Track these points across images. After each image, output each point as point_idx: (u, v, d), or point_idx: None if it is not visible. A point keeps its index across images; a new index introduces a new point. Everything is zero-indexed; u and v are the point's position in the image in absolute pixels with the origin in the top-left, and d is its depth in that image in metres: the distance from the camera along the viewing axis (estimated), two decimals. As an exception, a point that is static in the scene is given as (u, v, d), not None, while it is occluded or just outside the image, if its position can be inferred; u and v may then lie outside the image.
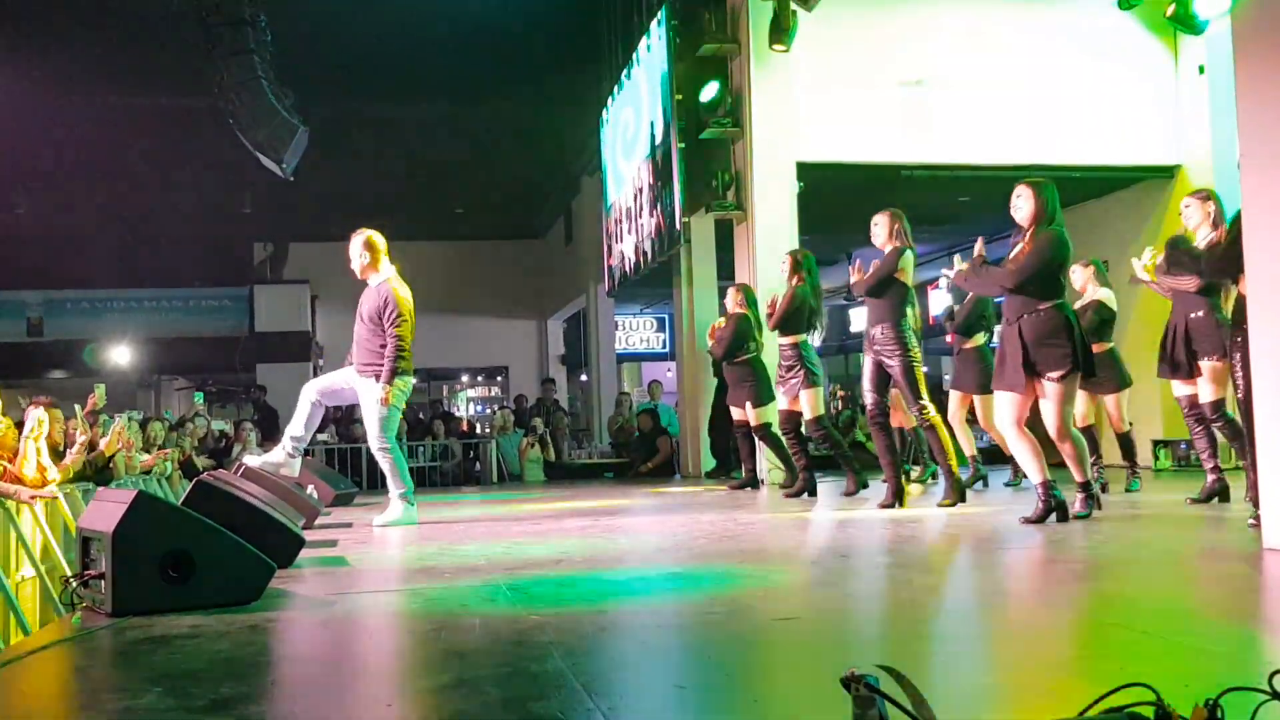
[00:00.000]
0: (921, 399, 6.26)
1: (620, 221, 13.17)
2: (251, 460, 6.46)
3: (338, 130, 13.51)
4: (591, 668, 2.45)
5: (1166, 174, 10.31)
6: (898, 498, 6.31)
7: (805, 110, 9.70)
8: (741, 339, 8.20)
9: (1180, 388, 6.08)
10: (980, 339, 7.72)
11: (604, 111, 13.66)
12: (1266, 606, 3.28)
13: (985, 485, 7.81)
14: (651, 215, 11.52)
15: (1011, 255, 5.27)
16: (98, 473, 7.03)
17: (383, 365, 6.19)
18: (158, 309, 18.67)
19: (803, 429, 7.58)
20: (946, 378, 11.51)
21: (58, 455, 6.59)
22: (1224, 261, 4.58)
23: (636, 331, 20.56)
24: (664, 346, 20.14)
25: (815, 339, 7.58)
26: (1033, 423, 5.29)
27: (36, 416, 6.24)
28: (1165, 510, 6.03)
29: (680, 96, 10.33)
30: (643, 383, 18.24)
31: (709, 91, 10.04)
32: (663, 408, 13.20)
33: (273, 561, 3.61)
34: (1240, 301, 4.42)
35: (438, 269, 17.86)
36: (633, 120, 12.22)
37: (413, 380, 6.50)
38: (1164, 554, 4.38)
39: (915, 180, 10.06)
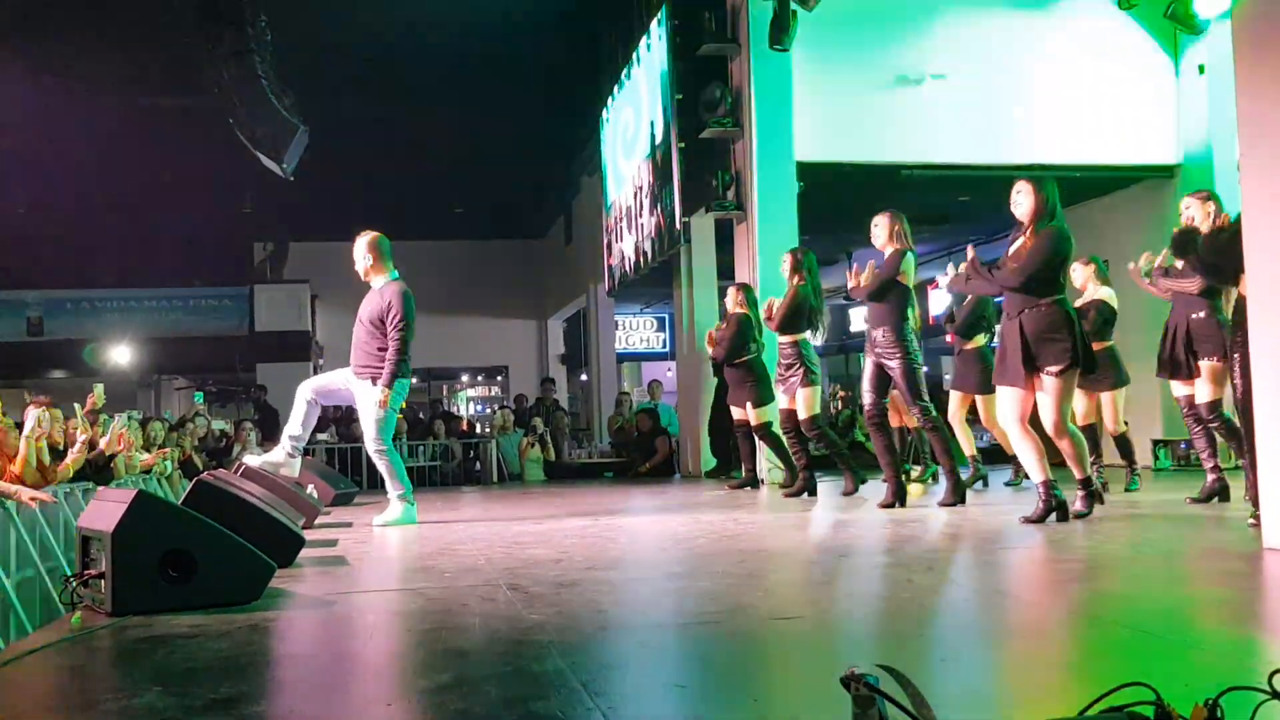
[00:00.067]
0: (921, 400, 6.27)
1: (620, 221, 13.18)
2: (251, 460, 6.46)
3: (338, 130, 13.50)
4: (591, 667, 2.45)
5: (1166, 174, 10.31)
6: (898, 497, 6.31)
7: (805, 110, 9.70)
8: (743, 340, 8.20)
9: (1179, 388, 6.09)
10: (981, 339, 7.72)
11: (604, 111, 13.66)
12: (1266, 606, 3.28)
13: (985, 485, 7.81)
14: (651, 215, 11.52)
15: (1012, 251, 5.25)
16: (97, 472, 7.02)
17: (380, 368, 6.19)
18: (158, 309, 18.67)
19: (819, 425, 7.58)
20: (947, 377, 11.51)
21: (58, 455, 6.59)
22: (1226, 252, 4.53)
23: (636, 331, 20.56)
24: (664, 346, 20.15)
25: (817, 339, 7.58)
26: (1035, 421, 5.29)
27: (36, 416, 6.24)
28: (1165, 510, 6.02)
29: (680, 96, 10.33)
30: (643, 382, 18.23)
31: (709, 91, 10.04)
32: (663, 407, 13.20)
33: (273, 561, 3.61)
34: (1241, 302, 4.42)
35: (438, 269, 17.87)
36: (633, 120, 12.22)
37: (410, 383, 6.50)
38: (1164, 554, 4.38)
39: (915, 180, 10.06)
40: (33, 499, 5.26)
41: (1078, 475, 5.30)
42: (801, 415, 7.45)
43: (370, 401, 6.23)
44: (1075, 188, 9.84)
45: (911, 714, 1.62)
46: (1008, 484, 7.85)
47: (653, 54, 11.13)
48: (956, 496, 6.22)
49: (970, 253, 5.54)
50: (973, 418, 7.92)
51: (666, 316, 19.38)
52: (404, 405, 6.49)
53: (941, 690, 2.03)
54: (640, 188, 11.95)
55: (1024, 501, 5.79)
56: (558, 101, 14.21)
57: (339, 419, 13.38)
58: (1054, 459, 5.30)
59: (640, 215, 12.03)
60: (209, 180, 15.26)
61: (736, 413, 8.52)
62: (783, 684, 2.41)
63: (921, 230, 10.49)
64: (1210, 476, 6.05)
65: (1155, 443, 9.70)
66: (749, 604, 3.33)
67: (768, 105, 9.70)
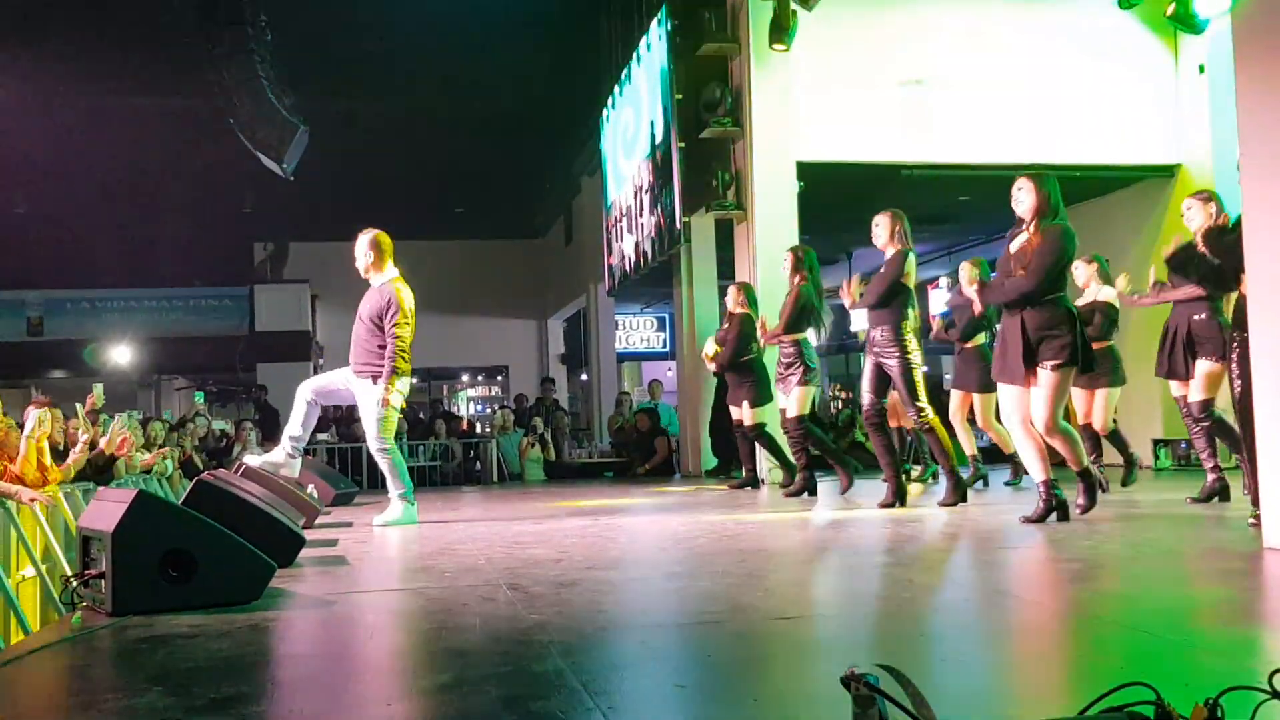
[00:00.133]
0: (919, 401, 6.25)
1: (620, 221, 13.18)
2: (252, 460, 6.46)
3: (338, 130, 13.51)
4: (591, 667, 2.45)
5: (1166, 174, 10.31)
6: (898, 497, 6.30)
7: (805, 110, 9.70)
8: (747, 340, 8.21)
9: (1178, 388, 6.09)
10: (981, 339, 7.72)
11: (604, 111, 13.66)
12: (1266, 606, 3.28)
13: (986, 485, 7.81)
14: (651, 214, 11.52)
15: (1015, 249, 5.22)
16: (98, 472, 7.03)
17: (380, 366, 6.19)
18: (158, 309, 18.68)
19: (804, 425, 7.58)
20: (947, 377, 11.52)
21: (58, 455, 6.59)
22: (1232, 253, 4.52)
23: (636, 331, 20.56)
24: (664, 346, 20.14)
25: (820, 337, 7.58)
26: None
27: (37, 416, 6.24)
28: (1165, 509, 6.02)
29: (680, 96, 10.33)
30: (643, 382, 18.24)
31: (709, 91, 10.04)
32: (663, 407, 13.20)
33: (273, 561, 3.61)
34: (1241, 303, 4.42)
35: (438, 269, 17.86)
36: (633, 120, 12.23)
37: (411, 381, 6.49)
38: (1164, 553, 4.38)
39: (915, 180, 10.06)
40: (33, 500, 5.26)
41: (1076, 467, 5.28)
42: (790, 413, 7.46)
43: (371, 400, 6.23)
44: (1075, 188, 9.83)
45: (911, 714, 1.62)
46: (1007, 484, 7.85)
47: (653, 54, 11.13)
48: (957, 496, 6.21)
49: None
50: (973, 417, 7.92)
51: (666, 316, 19.38)
52: (404, 405, 6.48)
53: (941, 690, 2.03)
54: (640, 187, 11.95)
55: (1024, 501, 5.79)
56: (558, 101, 14.21)
57: (339, 419, 13.38)
58: (1055, 458, 5.29)
59: (640, 215, 12.03)
60: (209, 180, 15.26)
61: (735, 412, 8.52)
62: (783, 684, 2.41)
63: (921, 230, 10.49)
64: (1210, 476, 6.05)
65: (1155, 443, 9.70)
66: (749, 604, 3.33)
67: (768, 105, 9.71)
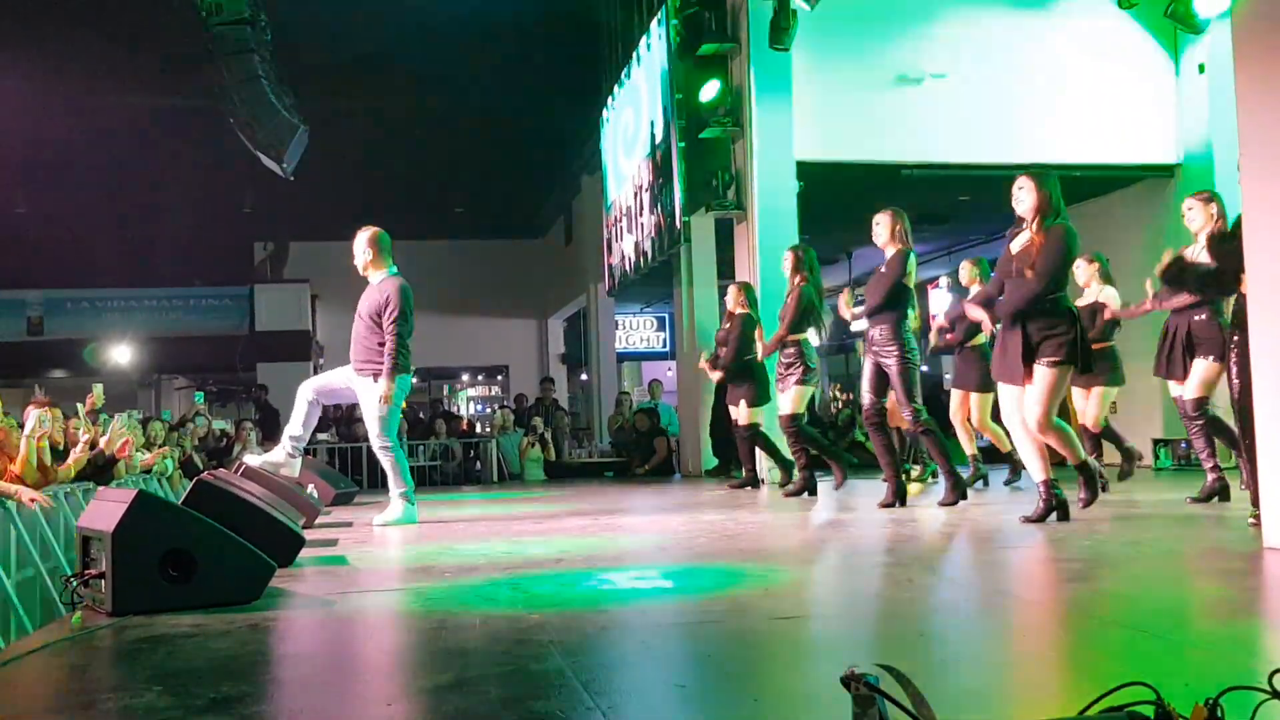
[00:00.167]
0: (915, 402, 6.23)
1: (620, 220, 13.18)
2: (252, 460, 6.46)
3: (338, 130, 13.51)
4: (591, 667, 2.45)
5: (1166, 173, 10.31)
6: (898, 497, 6.30)
7: (805, 110, 9.70)
8: (748, 340, 8.21)
9: (1177, 388, 6.09)
10: (981, 338, 7.71)
11: (604, 111, 13.66)
12: (1266, 606, 3.28)
13: (985, 484, 7.81)
14: (652, 214, 11.53)
15: (1016, 249, 5.21)
16: (98, 472, 7.03)
17: (381, 363, 6.19)
18: (158, 309, 18.67)
19: (796, 423, 7.58)
20: (947, 377, 11.51)
21: (59, 455, 6.58)
22: (1234, 256, 4.51)
23: (636, 331, 20.55)
24: (664, 346, 20.13)
25: (820, 338, 7.58)
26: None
27: (37, 416, 6.24)
28: (1165, 509, 6.02)
29: (680, 96, 10.34)
30: (643, 382, 18.24)
31: (709, 91, 10.05)
32: (663, 407, 13.20)
33: (273, 561, 3.62)
34: (1241, 303, 4.42)
35: (438, 269, 17.86)
36: (633, 119, 12.23)
37: (412, 378, 6.49)
38: (1164, 553, 4.37)
39: (915, 180, 10.06)
40: (32, 500, 5.26)
41: (1074, 461, 5.27)
42: (784, 411, 7.47)
43: (372, 398, 6.23)
44: (1075, 187, 9.82)
45: (911, 714, 1.62)
46: (1007, 483, 7.84)
47: (653, 54, 11.13)
48: (956, 495, 6.21)
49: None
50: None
51: (666, 316, 19.37)
52: (404, 405, 6.48)
53: (941, 690, 2.03)
54: (640, 187, 11.95)
55: (1024, 501, 5.79)
56: (558, 101, 14.21)
57: (340, 419, 13.39)
58: (1055, 458, 5.29)
59: (640, 214, 12.03)
60: (209, 180, 15.26)
61: (734, 412, 8.52)
62: (783, 684, 2.41)
63: (921, 230, 10.49)
64: (1210, 476, 6.04)
65: (1155, 442, 9.70)
66: (749, 604, 3.34)
67: (768, 105, 9.71)
